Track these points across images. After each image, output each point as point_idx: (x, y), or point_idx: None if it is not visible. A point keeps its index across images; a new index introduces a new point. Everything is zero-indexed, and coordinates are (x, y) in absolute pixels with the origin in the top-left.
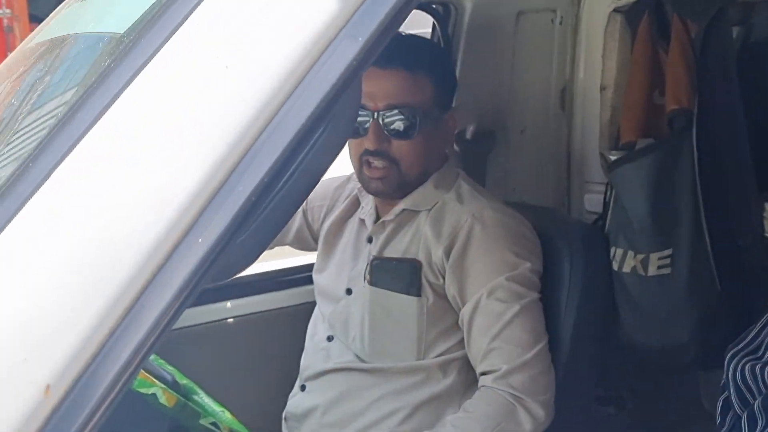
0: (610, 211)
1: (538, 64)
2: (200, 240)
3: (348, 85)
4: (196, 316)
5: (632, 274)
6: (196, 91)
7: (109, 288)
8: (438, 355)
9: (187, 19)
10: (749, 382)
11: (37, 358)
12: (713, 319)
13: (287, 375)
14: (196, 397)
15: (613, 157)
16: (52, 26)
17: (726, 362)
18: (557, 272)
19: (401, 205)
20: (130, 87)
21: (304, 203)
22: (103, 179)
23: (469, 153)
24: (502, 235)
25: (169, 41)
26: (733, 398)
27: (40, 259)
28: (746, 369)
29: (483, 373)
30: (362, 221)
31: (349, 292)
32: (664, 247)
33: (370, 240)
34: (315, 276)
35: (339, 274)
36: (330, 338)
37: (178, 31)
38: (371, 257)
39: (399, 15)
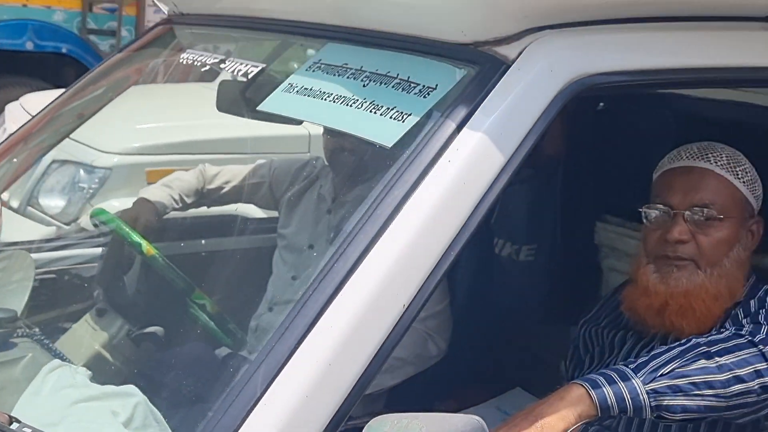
0: (496, 211)
1: None
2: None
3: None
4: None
5: (508, 258)
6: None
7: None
8: None
9: (444, 151)
10: (592, 339)
11: (400, 287)
12: (557, 293)
13: (251, 298)
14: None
15: None
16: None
17: (578, 329)
18: None
19: None
20: (413, 196)
21: (270, 176)
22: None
23: None
24: None
25: (435, 165)
26: (580, 350)
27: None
28: (591, 331)
29: None
30: (321, 195)
31: (311, 247)
32: (531, 242)
33: (329, 212)
34: (280, 230)
35: (299, 233)
36: (294, 278)
37: (440, 160)
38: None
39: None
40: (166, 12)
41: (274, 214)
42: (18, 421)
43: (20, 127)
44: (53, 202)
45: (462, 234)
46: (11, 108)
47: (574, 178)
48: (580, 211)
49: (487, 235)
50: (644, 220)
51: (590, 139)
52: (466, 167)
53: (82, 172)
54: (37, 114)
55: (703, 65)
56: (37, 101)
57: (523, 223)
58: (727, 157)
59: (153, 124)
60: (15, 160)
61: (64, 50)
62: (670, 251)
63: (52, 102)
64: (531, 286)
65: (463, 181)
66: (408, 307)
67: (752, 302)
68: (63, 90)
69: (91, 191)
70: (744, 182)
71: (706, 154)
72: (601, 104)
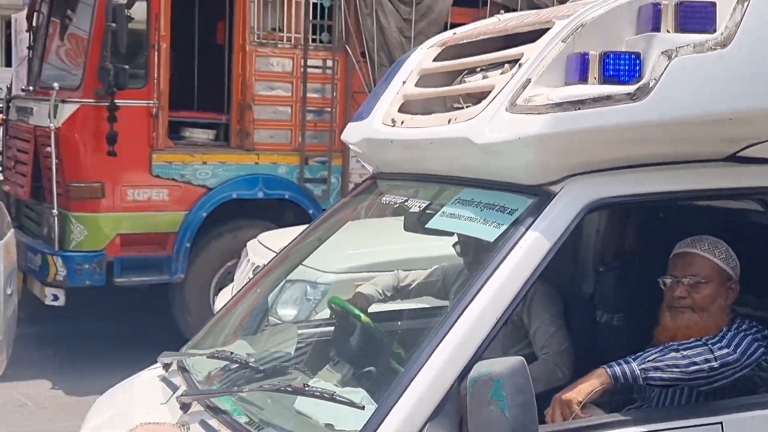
0: (597, 292)
1: None
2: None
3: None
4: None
5: (605, 324)
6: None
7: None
8: None
9: (518, 241)
10: None
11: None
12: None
13: None
14: None
15: None
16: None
17: None
18: None
19: None
20: (502, 264)
21: (443, 275)
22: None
23: None
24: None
25: (513, 249)
26: None
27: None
28: None
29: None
30: None
31: None
32: (620, 312)
33: None
34: None
35: None
36: None
37: (515, 247)
38: None
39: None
40: (371, 171)
41: (446, 303)
42: (309, 385)
43: (268, 263)
44: (288, 312)
45: (527, 284)
46: (252, 244)
47: (648, 265)
48: (652, 288)
49: (591, 308)
50: (662, 286)
51: (657, 237)
52: (529, 250)
53: (308, 287)
54: (280, 251)
55: (676, 189)
56: (272, 237)
57: (613, 299)
58: (708, 243)
59: (359, 250)
60: (258, 290)
61: (286, 196)
62: (677, 303)
63: (291, 241)
64: (620, 343)
65: (528, 257)
66: (499, 319)
67: (724, 328)
68: (290, 228)
69: (315, 302)
70: (720, 259)
71: (695, 243)
72: (661, 214)
